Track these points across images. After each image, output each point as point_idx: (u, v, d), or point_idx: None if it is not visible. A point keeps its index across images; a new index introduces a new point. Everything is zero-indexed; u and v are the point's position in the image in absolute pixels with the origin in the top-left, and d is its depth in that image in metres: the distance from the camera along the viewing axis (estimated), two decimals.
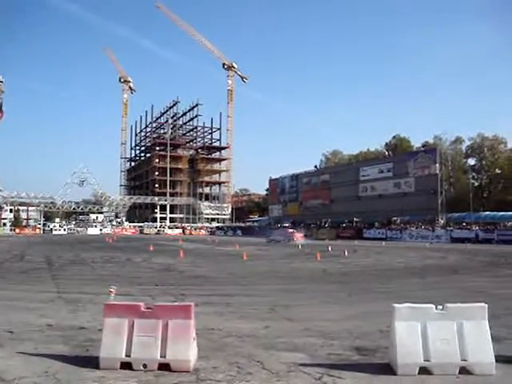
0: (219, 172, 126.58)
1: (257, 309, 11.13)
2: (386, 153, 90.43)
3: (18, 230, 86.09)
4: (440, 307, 6.23)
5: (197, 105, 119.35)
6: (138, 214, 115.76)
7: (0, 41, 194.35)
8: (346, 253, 30.66)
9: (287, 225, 76.64)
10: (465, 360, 5.98)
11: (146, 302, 6.80)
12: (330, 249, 35.21)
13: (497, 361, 6.07)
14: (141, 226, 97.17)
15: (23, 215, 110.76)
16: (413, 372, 5.96)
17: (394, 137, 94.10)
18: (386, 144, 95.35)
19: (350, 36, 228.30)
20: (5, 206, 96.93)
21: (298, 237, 53.08)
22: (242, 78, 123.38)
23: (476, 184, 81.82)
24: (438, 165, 59.20)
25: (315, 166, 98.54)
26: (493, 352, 6.05)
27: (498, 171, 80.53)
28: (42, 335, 8.44)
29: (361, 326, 9.20)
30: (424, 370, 6.00)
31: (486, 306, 6.28)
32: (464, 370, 6.01)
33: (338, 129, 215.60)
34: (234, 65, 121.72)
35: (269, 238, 56.51)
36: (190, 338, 6.23)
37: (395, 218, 68.13)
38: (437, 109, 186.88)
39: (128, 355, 6.24)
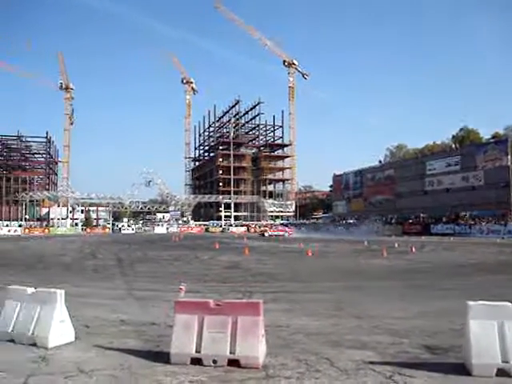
0: (282, 169, 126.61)
1: (324, 306, 11.09)
2: (453, 145, 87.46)
3: (88, 230, 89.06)
4: None
5: (258, 103, 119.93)
6: (203, 212, 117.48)
7: (69, 51, 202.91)
8: (413, 249, 29.98)
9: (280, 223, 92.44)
10: None
11: (216, 299, 6.90)
12: (396, 245, 34.53)
13: None
14: (206, 225, 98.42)
15: (93, 215, 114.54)
16: (490, 373, 5.71)
17: (461, 129, 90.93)
18: (453, 136, 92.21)
19: (411, 31, 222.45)
20: (76, 206, 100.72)
21: (288, 231, 69.32)
22: (303, 74, 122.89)
23: None
24: (509, 156, 56.67)
25: (379, 161, 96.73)
26: None
27: None
28: (116, 330, 8.75)
29: (431, 324, 8.99)
30: (502, 372, 5.74)
31: None
32: None
33: (403, 123, 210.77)
34: (295, 62, 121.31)
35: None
36: (259, 334, 6.27)
37: (464, 213, 65.84)
38: (507, 99, 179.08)
39: (198, 351, 6.35)
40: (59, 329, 7.45)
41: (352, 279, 16.65)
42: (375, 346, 7.41)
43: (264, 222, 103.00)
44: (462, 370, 5.99)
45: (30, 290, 7.90)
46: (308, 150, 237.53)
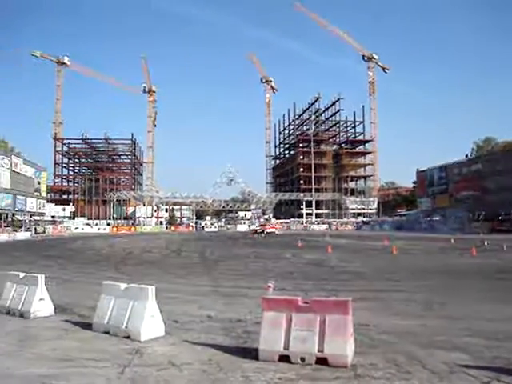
0: (364, 166, 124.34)
1: (411, 305, 10.82)
2: None
3: (173, 228, 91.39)
4: None
5: (338, 99, 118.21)
6: (284, 210, 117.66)
7: (153, 55, 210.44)
8: (505, 247, 28.57)
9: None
10: None
11: (303, 297, 6.89)
12: (485, 243, 33.01)
13: None
14: (287, 222, 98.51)
15: (177, 214, 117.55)
16: None
17: None
18: None
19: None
20: (161, 205, 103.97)
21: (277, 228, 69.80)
22: (383, 68, 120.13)
23: None
24: None
25: (466, 156, 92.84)
26: None
27: None
28: (203, 326, 8.97)
29: None
30: None
31: None
32: None
33: (490, 115, 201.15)
34: (375, 56, 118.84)
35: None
36: (347, 333, 6.20)
37: None
38: None
39: (286, 348, 6.37)
40: (150, 323, 7.76)
41: (440, 278, 16.11)
42: (468, 348, 7.12)
43: (346, 220, 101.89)
44: None
45: (123, 285, 8.28)
46: (390, 145, 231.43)
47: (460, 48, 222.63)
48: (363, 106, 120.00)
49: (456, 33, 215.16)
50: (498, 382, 5.61)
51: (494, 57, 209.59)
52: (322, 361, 6.21)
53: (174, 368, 6.40)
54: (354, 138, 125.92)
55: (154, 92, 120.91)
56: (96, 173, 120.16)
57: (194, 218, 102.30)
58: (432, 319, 9.32)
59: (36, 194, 76.77)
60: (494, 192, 67.65)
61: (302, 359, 6.27)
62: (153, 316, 7.80)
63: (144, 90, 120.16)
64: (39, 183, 78.96)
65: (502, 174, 66.40)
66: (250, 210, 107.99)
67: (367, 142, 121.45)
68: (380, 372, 6.01)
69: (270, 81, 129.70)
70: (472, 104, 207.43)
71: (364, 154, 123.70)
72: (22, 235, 56.58)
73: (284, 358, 6.38)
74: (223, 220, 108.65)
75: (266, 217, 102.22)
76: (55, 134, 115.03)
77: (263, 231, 64.66)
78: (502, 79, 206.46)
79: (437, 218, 78.30)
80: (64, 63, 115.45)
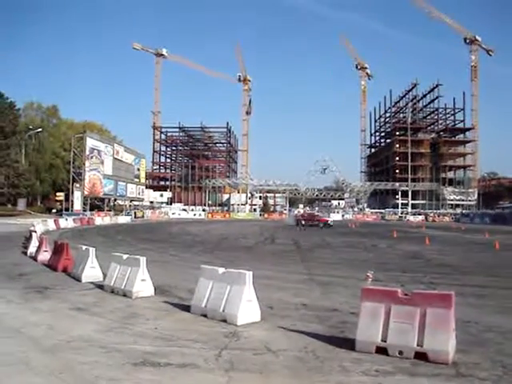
0: (464, 155, 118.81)
1: None
2: None
3: (266, 215, 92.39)
4: None
5: (437, 85, 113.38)
6: (378, 200, 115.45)
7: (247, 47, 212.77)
8: None
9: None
10: None
11: (400, 289, 6.72)
12: None
13: None
14: (382, 212, 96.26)
15: (271, 201, 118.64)
16: None
17: None
18: None
19: None
20: (255, 193, 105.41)
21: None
22: (488, 51, 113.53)
23: None
24: None
25: None
26: None
27: None
28: (298, 313, 9.00)
29: None
30: None
31: None
32: None
33: None
34: (478, 38, 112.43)
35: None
36: (449, 328, 5.96)
37: None
38: None
39: (384, 340, 6.25)
40: (247, 308, 7.90)
41: None
42: None
43: (443, 211, 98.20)
44: None
45: (221, 270, 8.48)
46: (493, 133, 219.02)
47: None
48: (464, 93, 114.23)
49: None
50: None
51: None
52: (421, 355, 6.02)
53: (270, 353, 6.48)
54: (454, 125, 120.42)
55: (248, 81, 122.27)
56: (192, 160, 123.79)
57: (287, 205, 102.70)
58: None
59: (136, 180, 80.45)
60: None
61: (400, 352, 6.12)
62: (250, 301, 7.94)
63: (239, 79, 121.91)
64: (138, 170, 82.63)
65: None
66: (343, 199, 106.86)
67: (467, 130, 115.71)
68: (484, 373, 5.70)
69: (365, 67, 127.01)
70: None
71: (464, 142, 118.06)
72: (122, 219, 59.52)
73: (381, 350, 6.27)
74: (316, 208, 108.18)
75: (360, 206, 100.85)
76: (154, 122, 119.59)
77: (327, 221, 51.91)
78: None
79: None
80: (162, 55, 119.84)
